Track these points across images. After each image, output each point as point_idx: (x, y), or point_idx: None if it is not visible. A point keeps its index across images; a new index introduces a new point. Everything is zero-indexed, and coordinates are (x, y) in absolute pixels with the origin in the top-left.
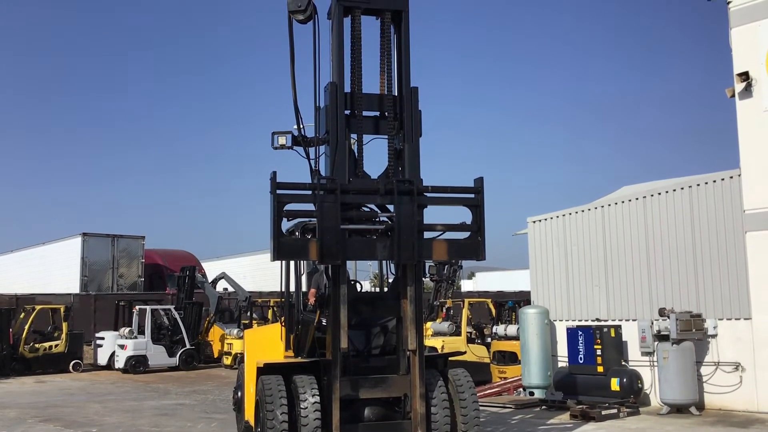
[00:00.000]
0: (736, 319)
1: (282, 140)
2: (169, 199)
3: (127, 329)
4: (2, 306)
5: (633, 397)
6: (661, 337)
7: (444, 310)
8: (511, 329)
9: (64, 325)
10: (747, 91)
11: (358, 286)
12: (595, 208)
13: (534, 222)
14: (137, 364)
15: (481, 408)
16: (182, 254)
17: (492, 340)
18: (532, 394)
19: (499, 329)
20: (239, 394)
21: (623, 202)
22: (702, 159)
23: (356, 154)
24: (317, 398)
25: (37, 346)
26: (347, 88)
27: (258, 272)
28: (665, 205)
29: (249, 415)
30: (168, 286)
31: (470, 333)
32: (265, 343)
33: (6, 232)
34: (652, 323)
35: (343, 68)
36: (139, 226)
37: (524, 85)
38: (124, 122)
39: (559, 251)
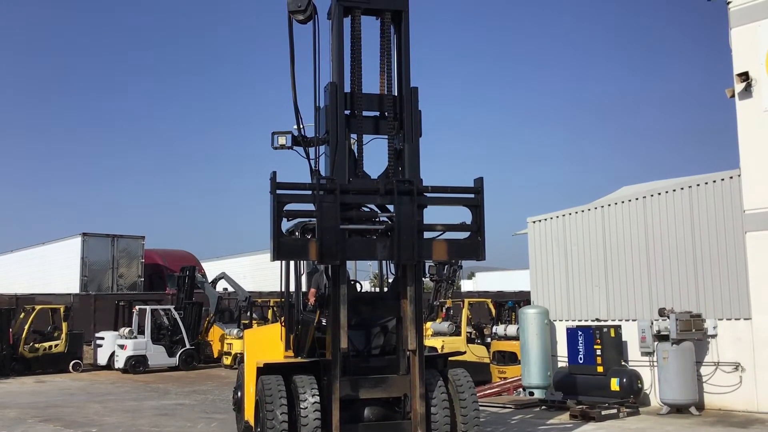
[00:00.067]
0: (736, 319)
1: (282, 140)
2: (169, 199)
3: (127, 329)
4: (2, 306)
5: (633, 397)
6: (660, 337)
7: (444, 310)
8: (511, 329)
9: (64, 325)
10: (747, 91)
11: (358, 286)
12: (595, 208)
13: (534, 222)
14: (137, 364)
15: (481, 408)
16: (182, 254)
17: (492, 340)
18: (531, 394)
19: (499, 329)
20: (239, 394)
21: (623, 202)
22: (702, 159)
23: (356, 154)
24: (317, 398)
25: (37, 346)
26: (347, 88)
27: (258, 272)
28: (665, 205)
29: (249, 415)
30: (168, 286)
31: (470, 333)
32: (265, 343)
33: (6, 232)
34: (652, 323)
35: (343, 68)
36: (139, 226)
37: (524, 85)
38: (124, 122)
39: (558, 251)
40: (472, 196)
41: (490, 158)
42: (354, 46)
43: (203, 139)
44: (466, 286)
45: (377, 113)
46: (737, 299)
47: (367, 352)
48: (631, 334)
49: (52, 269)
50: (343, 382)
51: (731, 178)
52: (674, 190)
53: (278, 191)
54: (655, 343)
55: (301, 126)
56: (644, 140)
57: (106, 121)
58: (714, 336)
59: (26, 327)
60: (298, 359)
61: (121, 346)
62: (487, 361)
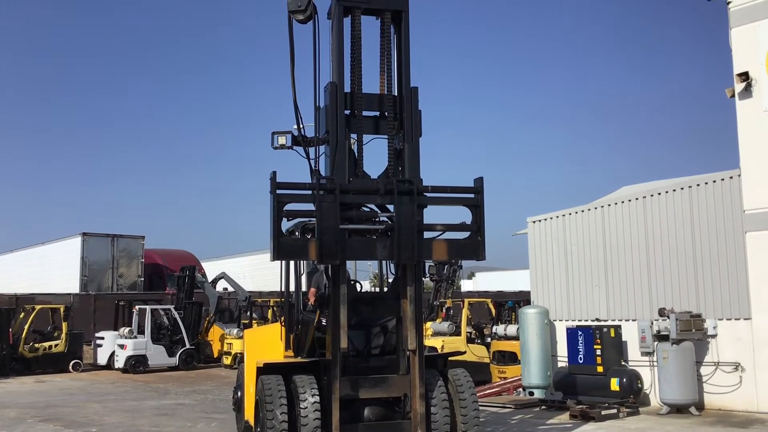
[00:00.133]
0: (735, 319)
1: (282, 140)
2: (169, 199)
3: (127, 329)
4: (2, 306)
5: (633, 397)
6: (660, 337)
7: (444, 310)
8: (511, 329)
9: (64, 325)
10: (747, 91)
11: (358, 286)
12: (595, 208)
13: (534, 222)
14: (137, 364)
15: (480, 408)
16: (182, 254)
17: (492, 340)
18: (531, 394)
19: (499, 329)
20: (239, 393)
21: (623, 202)
22: (702, 159)
23: (356, 154)
24: (317, 398)
25: (36, 345)
26: (347, 88)
27: (258, 272)
28: (665, 205)
29: (249, 414)
30: (168, 286)
31: (470, 333)
32: (265, 343)
33: (6, 232)
34: (652, 323)
35: (343, 68)
36: (139, 226)
37: (524, 85)
38: (124, 122)
39: (558, 251)
40: (472, 196)
41: (490, 158)
42: (354, 46)
43: (203, 139)
44: (466, 286)
45: (377, 113)
46: (737, 299)
47: (367, 352)
48: (631, 334)
49: (51, 269)
50: (343, 382)
51: (731, 178)
52: (674, 190)
53: (278, 191)
54: (655, 343)
55: (301, 126)
56: (644, 140)
57: (106, 121)
58: (714, 336)
59: (26, 327)
60: (298, 359)
61: (121, 346)
62: (487, 361)
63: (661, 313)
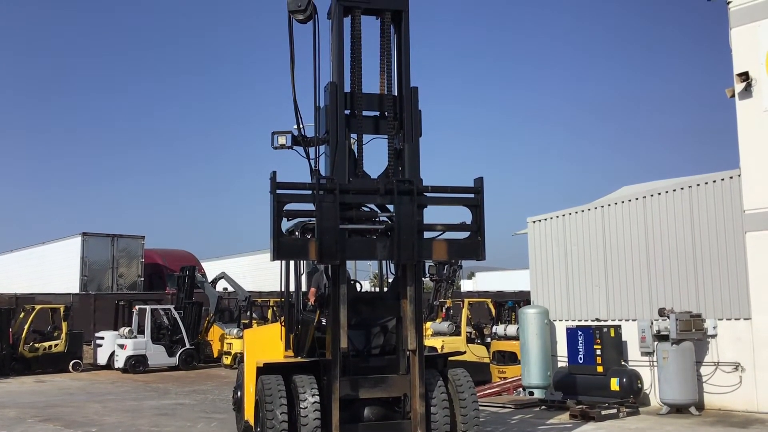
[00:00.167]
0: (735, 319)
1: (282, 140)
2: (169, 199)
3: (127, 329)
4: (2, 306)
5: (633, 397)
6: (660, 337)
7: (444, 310)
8: (511, 329)
9: (64, 325)
10: (747, 91)
11: (358, 286)
12: (595, 208)
13: (534, 222)
14: (137, 364)
15: (480, 408)
16: (182, 254)
17: (492, 340)
18: (531, 394)
19: (499, 329)
20: (239, 393)
21: (623, 202)
22: (702, 159)
23: (356, 154)
24: (317, 398)
25: (36, 345)
26: (347, 88)
27: (258, 272)
28: (665, 205)
29: (249, 414)
30: (168, 286)
31: (470, 333)
32: (265, 343)
33: (6, 232)
34: (652, 323)
35: (343, 68)
36: (139, 226)
37: (524, 85)
38: (124, 122)
39: (558, 251)
40: (472, 196)
41: (490, 158)
42: (354, 46)
43: (203, 139)
44: (466, 286)
45: (377, 113)
46: (737, 299)
47: (367, 352)
48: (631, 334)
49: (51, 269)
50: (343, 382)
51: (731, 178)
52: (674, 190)
53: (278, 191)
54: (655, 343)
55: (301, 126)
56: (644, 140)
57: (106, 121)
58: (714, 336)
59: (26, 327)
60: (298, 359)
61: (121, 346)
62: (487, 361)
63: (661, 313)
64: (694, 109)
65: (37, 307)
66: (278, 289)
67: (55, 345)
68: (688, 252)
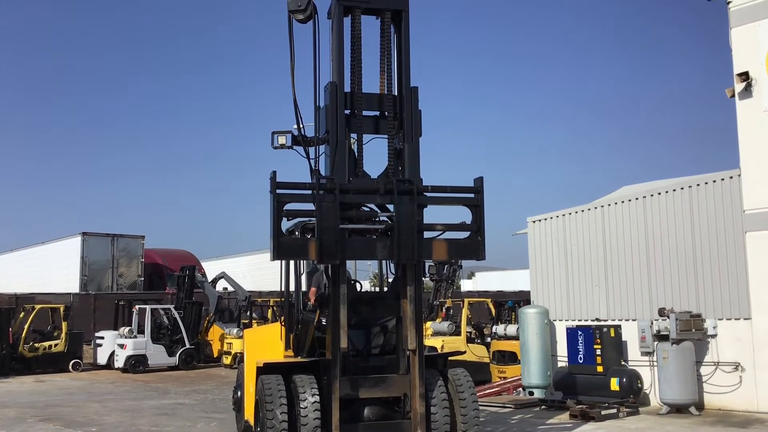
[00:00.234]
0: (735, 319)
1: (282, 140)
2: (169, 199)
3: (127, 329)
4: (2, 305)
5: (632, 397)
6: (660, 337)
7: (444, 310)
8: (511, 329)
9: (64, 325)
10: (747, 91)
11: (358, 285)
12: (595, 208)
13: (534, 222)
14: (137, 364)
15: (480, 408)
16: (182, 254)
17: (492, 339)
18: (531, 393)
19: (499, 329)
20: (239, 393)
21: (623, 202)
22: (702, 159)
23: (356, 154)
24: (317, 398)
25: (36, 345)
26: (347, 88)
27: (257, 272)
28: (665, 205)
29: (249, 414)
30: (168, 286)
31: (470, 333)
32: (265, 343)
33: (6, 232)
34: (652, 323)
35: (343, 68)
36: (139, 226)
37: (524, 85)
38: (124, 122)
39: (558, 251)
40: (472, 195)
41: (490, 158)
42: (354, 46)
43: (203, 139)
44: (466, 285)
45: (377, 113)
46: (737, 299)
47: (366, 352)
48: (631, 334)
49: (51, 269)
50: (342, 382)
51: (731, 178)
52: (674, 190)
53: (278, 191)
54: (655, 343)
55: (301, 125)
56: (644, 140)
57: (106, 121)
58: (714, 336)
59: (26, 326)
60: (298, 359)
61: (121, 346)
62: (487, 360)
63: (661, 313)
64: (694, 109)
65: (37, 306)
66: (278, 289)
67: (55, 345)
68: (688, 252)
